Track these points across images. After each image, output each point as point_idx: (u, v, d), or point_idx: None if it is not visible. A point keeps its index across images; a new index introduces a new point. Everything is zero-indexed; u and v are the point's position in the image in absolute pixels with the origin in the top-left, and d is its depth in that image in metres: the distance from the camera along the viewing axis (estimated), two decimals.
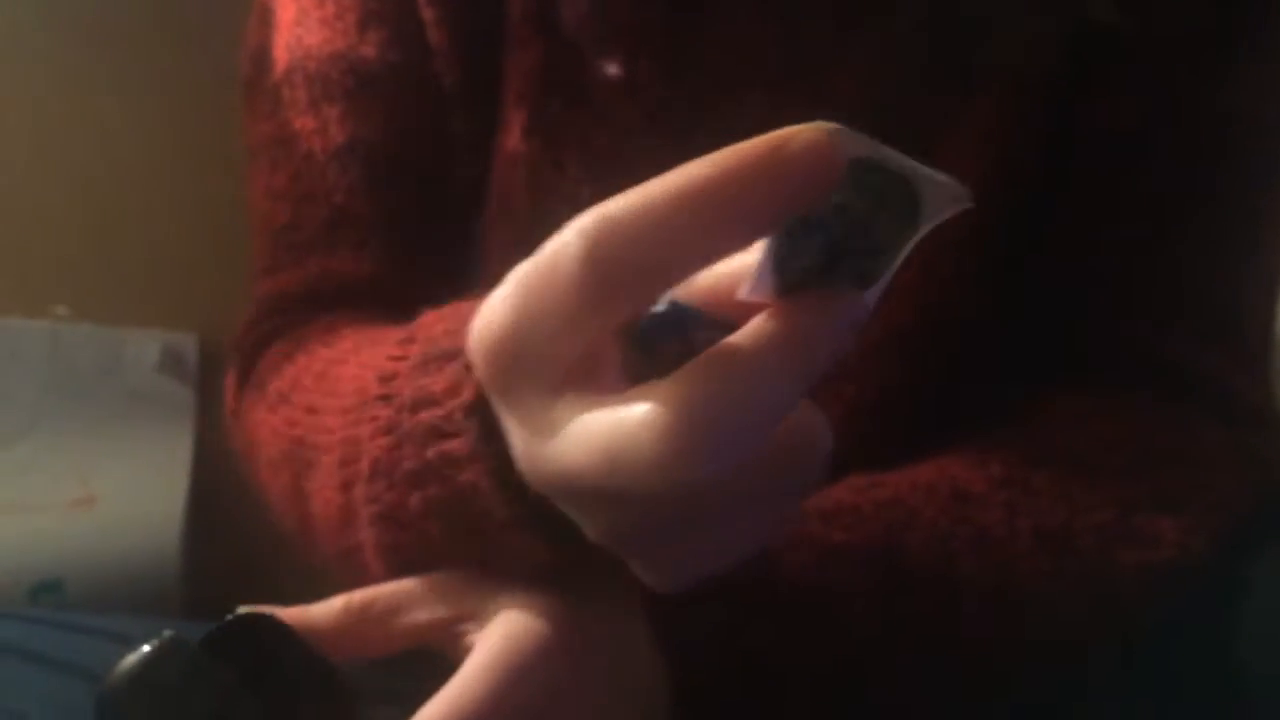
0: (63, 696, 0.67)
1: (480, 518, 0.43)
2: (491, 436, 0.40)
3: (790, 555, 0.46)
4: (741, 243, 0.33)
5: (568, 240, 0.33)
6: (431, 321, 0.46)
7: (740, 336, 0.33)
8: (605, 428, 0.33)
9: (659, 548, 0.37)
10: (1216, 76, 0.58)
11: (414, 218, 0.64)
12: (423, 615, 0.46)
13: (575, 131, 0.59)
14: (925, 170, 0.32)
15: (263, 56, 0.66)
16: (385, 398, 0.46)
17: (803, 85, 0.58)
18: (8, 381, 1.00)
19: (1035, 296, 0.60)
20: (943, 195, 0.33)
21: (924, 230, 0.33)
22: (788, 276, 0.34)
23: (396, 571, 0.47)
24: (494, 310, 0.36)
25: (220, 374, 1.04)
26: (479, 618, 0.45)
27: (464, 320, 0.43)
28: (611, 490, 0.34)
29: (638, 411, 0.33)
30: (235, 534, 1.02)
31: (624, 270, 0.33)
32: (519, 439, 0.37)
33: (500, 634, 0.44)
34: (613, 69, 0.57)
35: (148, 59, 1.01)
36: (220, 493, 1.02)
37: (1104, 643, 0.51)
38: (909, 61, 0.58)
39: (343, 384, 0.54)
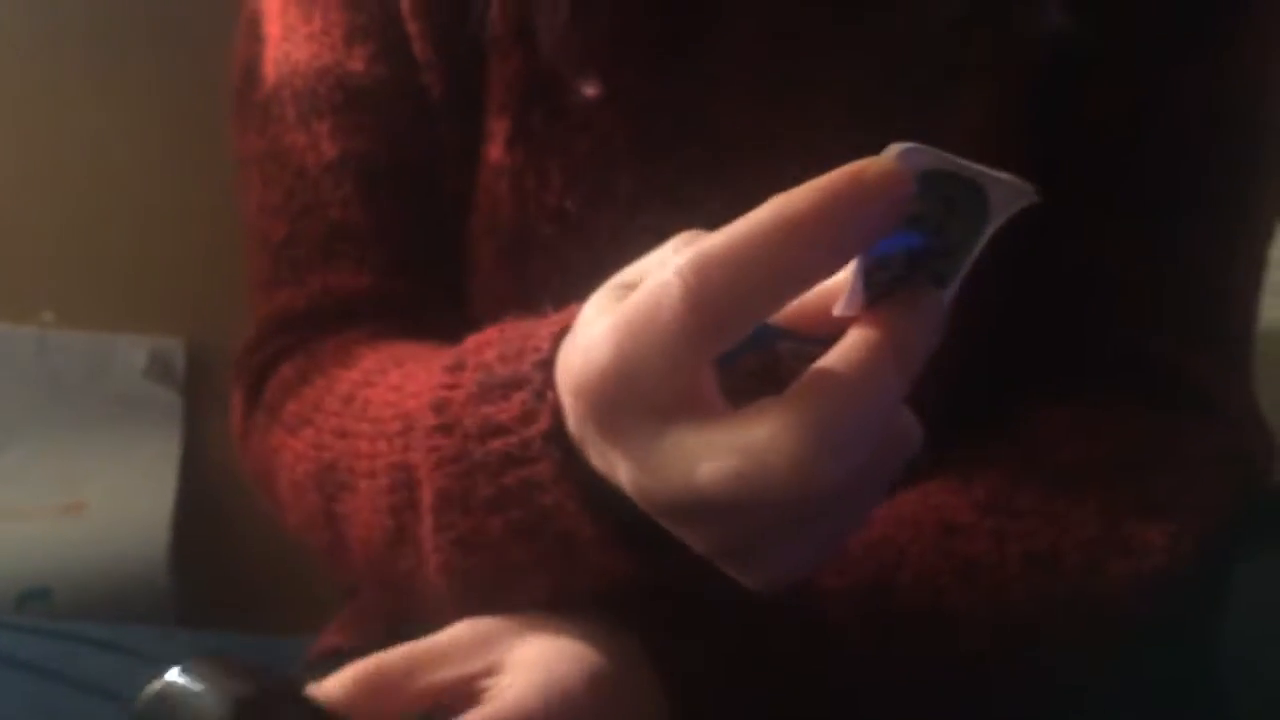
0: (50, 704, 0.67)
1: (565, 537, 0.44)
2: (572, 461, 0.42)
3: (781, 597, 0.47)
4: (832, 270, 0.35)
5: (668, 281, 0.35)
6: (480, 348, 0.47)
7: (845, 348, 0.36)
8: (734, 449, 0.35)
9: (769, 553, 0.39)
10: (1201, 75, 0.58)
11: (410, 229, 0.64)
12: (439, 675, 0.46)
13: (557, 141, 0.59)
14: (989, 172, 0.35)
15: (251, 71, 0.66)
16: (444, 428, 0.47)
17: (787, 92, 0.58)
18: None
19: (1021, 299, 0.60)
20: (1008, 193, 0.35)
21: (994, 227, 0.36)
22: (874, 289, 0.36)
23: (465, 593, 0.48)
24: (594, 351, 0.37)
25: (208, 379, 1.04)
26: (496, 672, 0.45)
27: (519, 345, 0.44)
28: (742, 506, 0.36)
29: (766, 429, 0.35)
30: (223, 539, 1.02)
31: (726, 308, 0.35)
32: (629, 469, 0.38)
33: (530, 671, 0.44)
34: (592, 85, 0.58)
35: (134, 64, 1.01)
36: (209, 498, 1.02)
37: (1097, 652, 0.51)
38: (895, 64, 0.58)
39: (375, 408, 0.54)
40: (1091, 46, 0.58)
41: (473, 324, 0.49)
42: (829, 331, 0.37)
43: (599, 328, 0.37)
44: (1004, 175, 0.35)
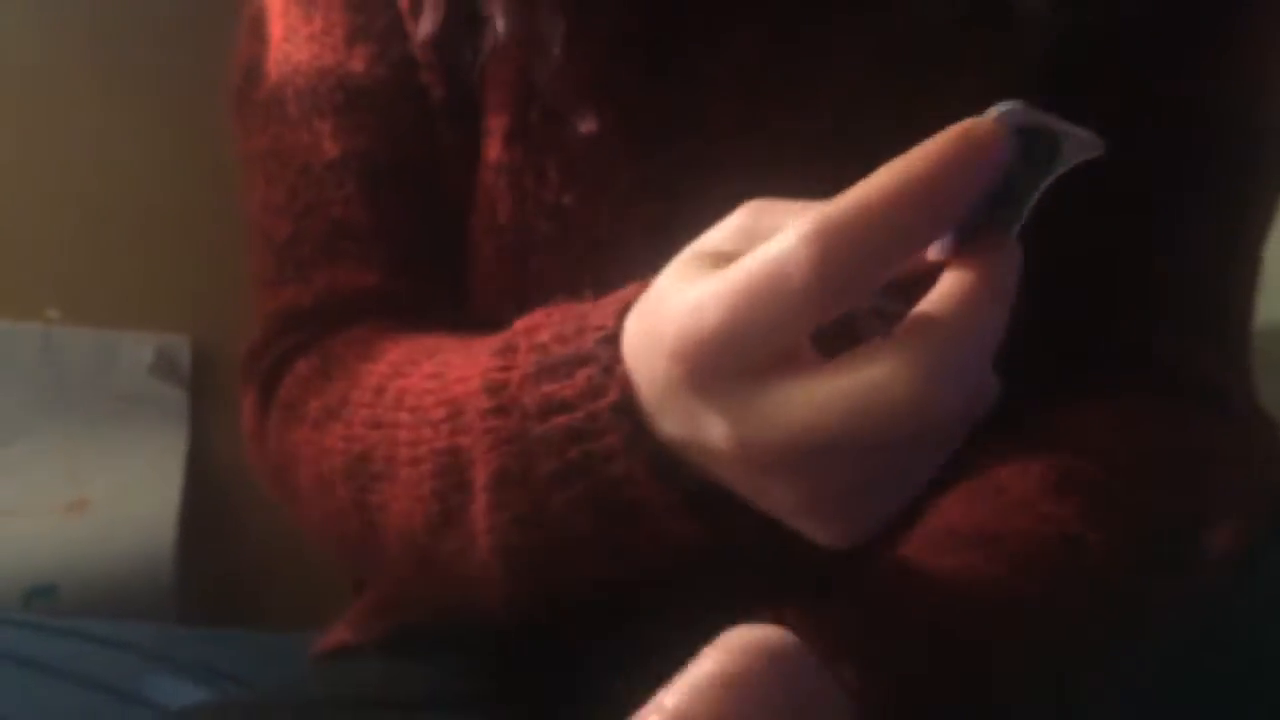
0: (56, 702, 0.68)
1: (634, 506, 0.45)
2: (641, 432, 0.43)
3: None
4: (944, 229, 0.38)
5: (793, 246, 0.36)
6: (531, 331, 0.48)
7: (945, 290, 0.38)
8: (851, 389, 0.37)
9: (860, 501, 0.40)
10: (1200, 74, 0.58)
11: (412, 228, 0.65)
12: None
13: (555, 138, 0.60)
14: (1066, 125, 0.38)
15: (253, 70, 0.66)
16: (500, 409, 0.47)
17: (785, 90, 0.58)
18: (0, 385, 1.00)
19: (1025, 294, 0.60)
20: (1080, 145, 0.38)
21: (1055, 175, 0.38)
22: (963, 234, 0.39)
23: (519, 571, 0.49)
24: (706, 312, 0.38)
25: (214, 376, 1.05)
26: None
27: (576, 325, 0.45)
28: (863, 443, 0.37)
29: (883, 366, 0.36)
30: (229, 537, 1.03)
31: (854, 271, 0.37)
32: (730, 427, 0.39)
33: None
34: (585, 99, 0.58)
35: (138, 60, 1.01)
36: (214, 496, 1.02)
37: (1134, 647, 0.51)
38: (894, 63, 0.58)
39: (413, 396, 0.54)
40: (1090, 46, 0.58)
41: (474, 321, 0.49)
42: (914, 277, 0.39)
43: (705, 291, 0.38)
44: (1078, 129, 0.38)
